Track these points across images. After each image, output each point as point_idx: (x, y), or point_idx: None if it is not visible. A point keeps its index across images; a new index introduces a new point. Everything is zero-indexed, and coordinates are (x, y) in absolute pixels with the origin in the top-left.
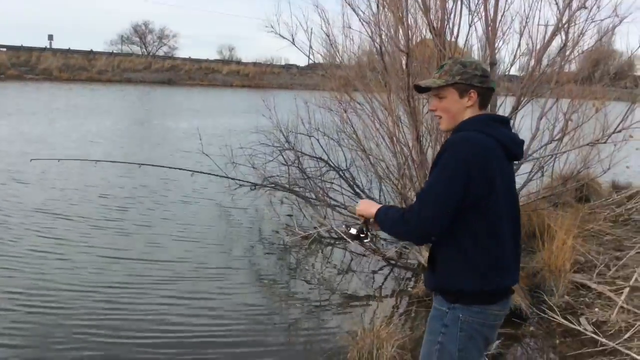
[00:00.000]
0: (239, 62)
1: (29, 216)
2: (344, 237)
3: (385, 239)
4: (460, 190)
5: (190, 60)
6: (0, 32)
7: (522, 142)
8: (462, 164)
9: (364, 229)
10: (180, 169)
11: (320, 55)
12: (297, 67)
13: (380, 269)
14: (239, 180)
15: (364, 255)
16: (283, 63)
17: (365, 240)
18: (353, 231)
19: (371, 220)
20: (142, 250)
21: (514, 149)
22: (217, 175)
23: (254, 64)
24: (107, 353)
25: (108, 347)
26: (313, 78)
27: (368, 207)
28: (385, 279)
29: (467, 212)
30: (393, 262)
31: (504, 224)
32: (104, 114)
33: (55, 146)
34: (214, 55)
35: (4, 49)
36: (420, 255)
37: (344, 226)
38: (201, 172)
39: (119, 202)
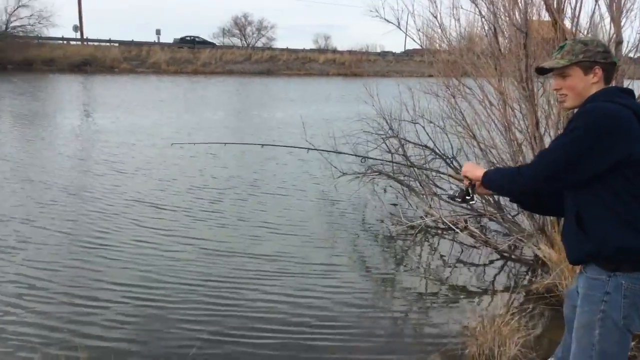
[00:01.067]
0: (334, 51)
1: (131, 206)
2: (449, 201)
3: (496, 231)
4: (590, 155)
5: (287, 50)
6: (114, 29)
7: None
8: (593, 130)
9: (470, 190)
10: (298, 147)
11: (427, 37)
12: (393, 53)
13: (492, 262)
14: (360, 156)
15: (474, 247)
16: (378, 50)
17: (471, 202)
18: (457, 193)
19: (477, 183)
20: (243, 242)
21: None
22: (336, 152)
23: (350, 52)
24: (208, 348)
25: (208, 343)
26: (410, 65)
27: (474, 169)
28: (498, 272)
29: (609, 174)
30: (506, 255)
31: None
32: (204, 105)
33: (155, 137)
34: (310, 45)
35: (117, 44)
36: (538, 248)
37: (447, 194)
38: (320, 150)
39: (220, 194)
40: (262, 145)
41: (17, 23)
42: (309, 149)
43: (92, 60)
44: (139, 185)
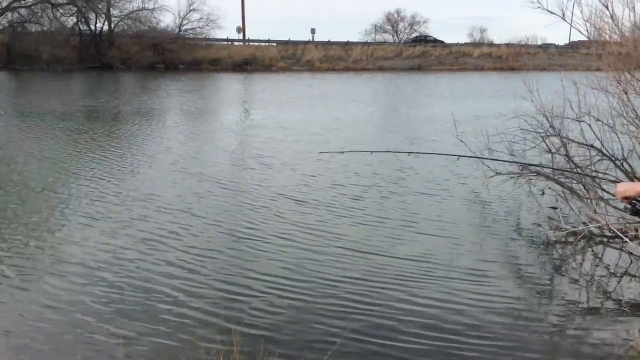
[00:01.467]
0: (490, 44)
1: (276, 200)
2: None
3: None
4: None
5: (440, 45)
6: (273, 29)
7: None
8: None
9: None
10: (447, 154)
11: (595, 28)
12: (556, 46)
13: None
14: (508, 161)
15: None
16: (539, 43)
17: None
18: None
19: None
20: (385, 242)
21: None
22: (490, 159)
23: (507, 45)
24: (349, 346)
25: (349, 340)
26: (575, 57)
27: (633, 186)
28: None
29: None
30: None
31: None
32: (353, 101)
33: (303, 133)
34: (464, 39)
35: (275, 44)
36: None
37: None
38: (469, 157)
39: (363, 191)
40: (409, 153)
41: (188, 26)
42: (459, 156)
43: (252, 60)
44: (284, 180)
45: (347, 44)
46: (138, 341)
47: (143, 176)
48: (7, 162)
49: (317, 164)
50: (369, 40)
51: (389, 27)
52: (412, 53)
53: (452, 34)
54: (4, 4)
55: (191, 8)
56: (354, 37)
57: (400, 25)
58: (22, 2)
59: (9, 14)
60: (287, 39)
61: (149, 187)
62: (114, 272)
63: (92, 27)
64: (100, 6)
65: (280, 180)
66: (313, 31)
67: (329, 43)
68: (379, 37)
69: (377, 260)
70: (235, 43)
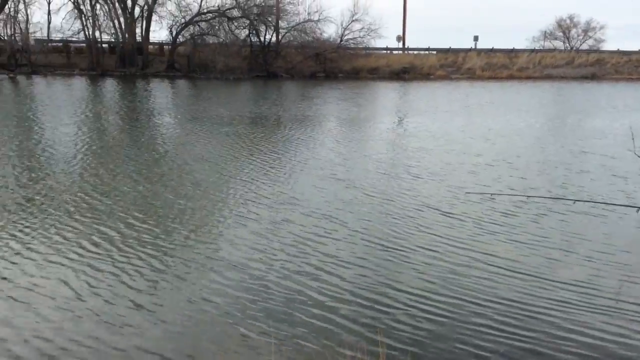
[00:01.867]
0: None
1: (420, 211)
2: None
3: None
4: None
5: (618, 52)
6: (432, 37)
7: None
8: None
9: None
10: (621, 205)
11: None
12: None
13: None
14: None
15: None
16: None
17: None
18: None
19: None
20: (540, 264)
21: None
22: None
23: None
24: None
25: None
26: None
27: None
28: None
29: None
30: None
31: None
32: (512, 110)
33: (453, 144)
34: None
35: (434, 52)
36: None
37: None
38: None
39: (516, 207)
40: (574, 201)
41: (349, 36)
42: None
43: (410, 68)
44: (431, 191)
45: (512, 51)
46: (285, 342)
47: (293, 180)
48: (178, 163)
49: (467, 175)
50: (536, 47)
51: (560, 34)
52: (586, 61)
53: (634, 41)
54: (187, 19)
55: (353, 19)
56: (520, 45)
57: (573, 31)
58: (203, 16)
59: (191, 27)
60: (447, 47)
61: (297, 192)
62: (262, 272)
63: (262, 39)
64: (270, 19)
65: (427, 190)
66: (476, 38)
67: (492, 50)
68: (548, 44)
69: (532, 282)
70: (394, 52)
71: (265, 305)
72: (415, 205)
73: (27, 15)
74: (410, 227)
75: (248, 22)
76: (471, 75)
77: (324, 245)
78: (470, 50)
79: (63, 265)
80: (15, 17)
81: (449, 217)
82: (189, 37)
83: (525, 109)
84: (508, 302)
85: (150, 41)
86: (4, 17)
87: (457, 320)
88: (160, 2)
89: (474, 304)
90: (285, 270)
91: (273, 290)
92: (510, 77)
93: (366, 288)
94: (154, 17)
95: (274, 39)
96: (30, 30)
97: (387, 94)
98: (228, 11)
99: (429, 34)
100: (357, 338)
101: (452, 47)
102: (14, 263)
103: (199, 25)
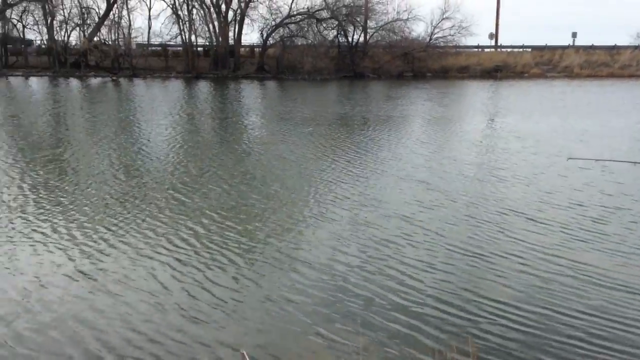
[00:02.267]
0: None
1: (504, 215)
2: None
3: None
4: None
5: None
6: (529, 35)
7: None
8: None
9: None
10: None
11: None
12: None
13: None
14: None
15: None
16: None
17: None
18: None
19: None
20: (634, 276)
21: None
22: None
23: None
24: None
25: None
26: None
27: None
28: None
29: None
30: None
31: None
32: (613, 111)
33: (544, 145)
34: None
35: (529, 50)
36: None
37: None
38: None
39: (608, 213)
40: None
41: (439, 35)
42: None
43: (503, 66)
44: (516, 195)
45: (613, 48)
46: (368, 347)
47: (372, 182)
48: (263, 163)
49: (555, 179)
50: None
51: None
52: None
53: None
54: (277, 21)
55: (444, 17)
56: (622, 41)
57: None
58: (292, 18)
59: (281, 30)
60: (543, 44)
61: (378, 193)
62: (342, 273)
63: (349, 39)
64: (358, 19)
65: (512, 195)
66: (574, 35)
67: (591, 47)
68: None
69: (624, 296)
70: (486, 50)
71: (346, 307)
72: (499, 210)
73: (129, 21)
74: (494, 232)
75: (337, 22)
76: (568, 74)
77: (404, 248)
78: (567, 47)
79: (152, 258)
80: (119, 23)
81: (535, 223)
82: (278, 39)
83: (626, 109)
84: (600, 314)
85: (242, 44)
86: (109, 22)
87: (545, 333)
88: (252, 6)
89: (562, 316)
90: (365, 272)
91: (353, 292)
92: (611, 76)
93: (450, 294)
94: (246, 21)
95: (361, 39)
96: (132, 35)
97: (476, 93)
98: (317, 13)
99: (524, 31)
100: (444, 347)
101: (548, 44)
102: (108, 255)
103: (288, 27)
